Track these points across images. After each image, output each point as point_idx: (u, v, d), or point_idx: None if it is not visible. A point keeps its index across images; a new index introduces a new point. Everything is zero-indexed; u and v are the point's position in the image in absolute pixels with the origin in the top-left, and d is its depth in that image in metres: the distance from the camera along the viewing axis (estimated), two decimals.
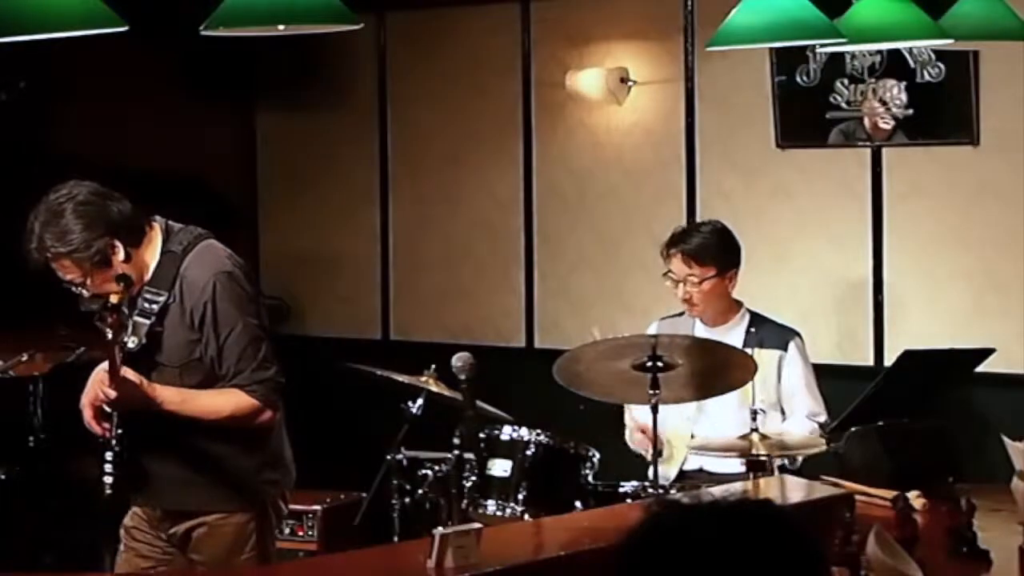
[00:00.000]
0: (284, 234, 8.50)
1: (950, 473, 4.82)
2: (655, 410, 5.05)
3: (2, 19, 3.36)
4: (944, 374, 5.84)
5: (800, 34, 4.49)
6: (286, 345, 7.16)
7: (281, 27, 3.87)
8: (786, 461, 5.37)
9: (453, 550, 3.56)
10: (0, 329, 6.42)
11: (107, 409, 4.19)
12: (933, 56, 6.60)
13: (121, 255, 4.23)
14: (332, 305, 8.37)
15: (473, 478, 5.32)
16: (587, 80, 7.37)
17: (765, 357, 5.54)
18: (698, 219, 7.05)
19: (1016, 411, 6.22)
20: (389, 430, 5.79)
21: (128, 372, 4.16)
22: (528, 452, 5.38)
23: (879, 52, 6.68)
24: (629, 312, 7.19)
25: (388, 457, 5.75)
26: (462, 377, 4.58)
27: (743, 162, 7.13)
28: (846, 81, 6.86)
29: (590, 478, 5.41)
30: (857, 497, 4.52)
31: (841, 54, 6.62)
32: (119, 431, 4.18)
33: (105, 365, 4.17)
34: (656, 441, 5.10)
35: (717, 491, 4.67)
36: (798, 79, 6.93)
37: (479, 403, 5.11)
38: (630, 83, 7.38)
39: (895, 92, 6.76)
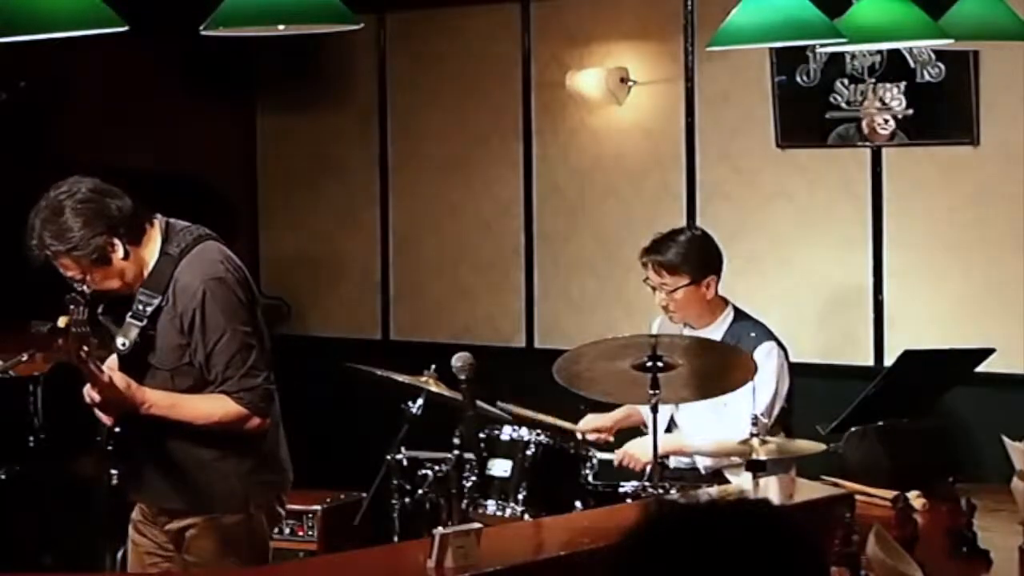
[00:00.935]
0: (284, 234, 8.50)
1: (950, 473, 4.82)
2: (655, 410, 5.05)
3: (2, 19, 3.37)
4: (944, 374, 5.83)
5: (800, 34, 4.49)
6: (286, 345, 7.20)
7: (281, 27, 3.87)
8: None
9: (453, 550, 3.56)
10: (0, 329, 6.42)
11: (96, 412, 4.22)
12: (933, 56, 6.60)
13: (120, 253, 4.23)
14: (332, 305, 8.37)
15: (473, 478, 5.32)
16: (587, 80, 7.37)
17: None
18: (698, 219, 7.06)
19: (1016, 411, 6.22)
20: (389, 430, 5.79)
21: (116, 376, 4.18)
22: (528, 452, 5.38)
23: (879, 52, 6.67)
24: (629, 312, 7.19)
25: (388, 457, 5.75)
26: (462, 377, 4.59)
27: (743, 162, 7.13)
28: (846, 81, 6.86)
29: (590, 478, 5.41)
30: (857, 497, 4.53)
31: (841, 54, 6.62)
32: (116, 429, 4.21)
33: (113, 360, 4.18)
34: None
35: (715, 491, 4.68)
36: (798, 79, 6.93)
37: (479, 403, 5.11)
38: (630, 83, 7.38)
39: (895, 92, 6.76)
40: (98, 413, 4.27)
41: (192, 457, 4.35)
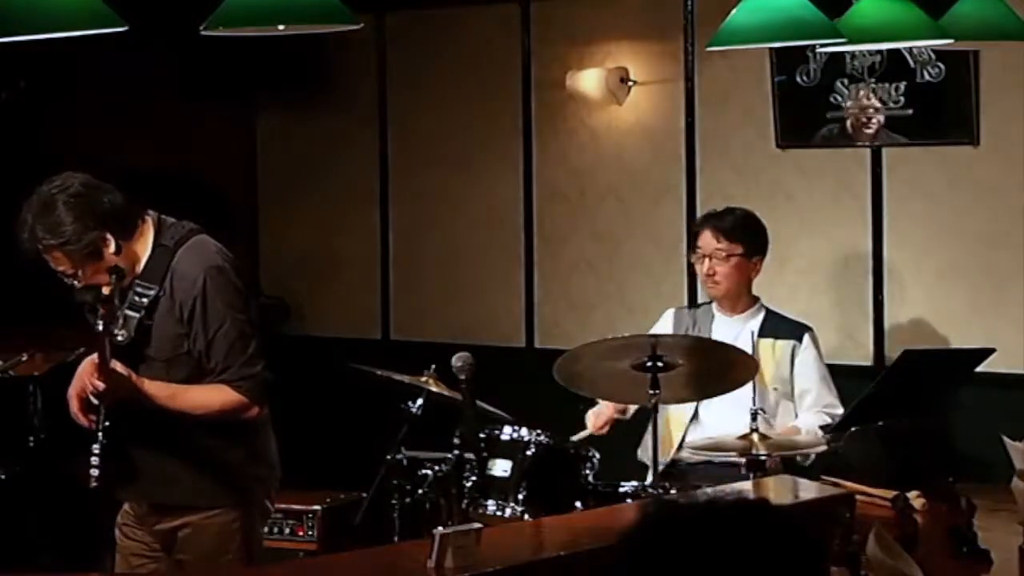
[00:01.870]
0: (284, 234, 8.50)
1: (950, 473, 4.82)
2: (655, 410, 5.06)
3: (2, 19, 3.36)
4: (944, 374, 5.83)
5: (800, 34, 4.49)
6: (286, 345, 7.21)
7: (281, 27, 3.87)
8: (799, 458, 5.38)
9: (453, 550, 3.55)
10: (0, 329, 6.42)
11: (94, 401, 4.17)
12: (933, 56, 6.60)
13: (112, 247, 4.22)
14: (332, 305, 8.37)
15: (473, 478, 5.32)
16: (587, 80, 7.37)
17: (779, 347, 5.62)
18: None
19: (1016, 411, 6.22)
20: (389, 430, 5.79)
21: (117, 365, 4.15)
22: (528, 452, 5.38)
23: (879, 52, 6.68)
24: (629, 312, 7.20)
25: (388, 457, 5.75)
26: (462, 377, 4.58)
27: (743, 162, 7.13)
28: (846, 81, 6.86)
29: (590, 478, 5.41)
30: (857, 497, 4.52)
31: (841, 54, 6.62)
32: (106, 424, 4.15)
33: (93, 357, 4.16)
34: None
35: (714, 491, 4.67)
36: (798, 79, 6.93)
37: (479, 403, 5.11)
38: (630, 83, 7.38)
39: (895, 92, 6.76)
40: (76, 415, 4.24)
41: (187, 452, 4.33)
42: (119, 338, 4.23)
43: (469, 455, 5.08)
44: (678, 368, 5.10)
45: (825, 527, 3.79)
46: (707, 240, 5.68)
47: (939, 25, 4.84)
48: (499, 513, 5.31)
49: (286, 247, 8.49)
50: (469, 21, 7.88)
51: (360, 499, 6.12)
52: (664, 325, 5.81)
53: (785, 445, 5.24)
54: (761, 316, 5.73)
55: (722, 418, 5.54)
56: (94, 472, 4.15)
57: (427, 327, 7.99)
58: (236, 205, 8.30)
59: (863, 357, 6.85)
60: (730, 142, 7.17)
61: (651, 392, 5.03)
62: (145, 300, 4.27)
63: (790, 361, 5.63)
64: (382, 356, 6.73)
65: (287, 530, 6.18)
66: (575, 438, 5.60)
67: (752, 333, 5.52)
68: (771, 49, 6.71)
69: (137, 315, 4.26)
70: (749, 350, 5.38)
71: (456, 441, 4.86)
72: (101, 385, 4.12)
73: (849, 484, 4.81)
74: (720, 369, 5.28)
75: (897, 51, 6.58)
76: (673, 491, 5.15)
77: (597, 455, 5.46)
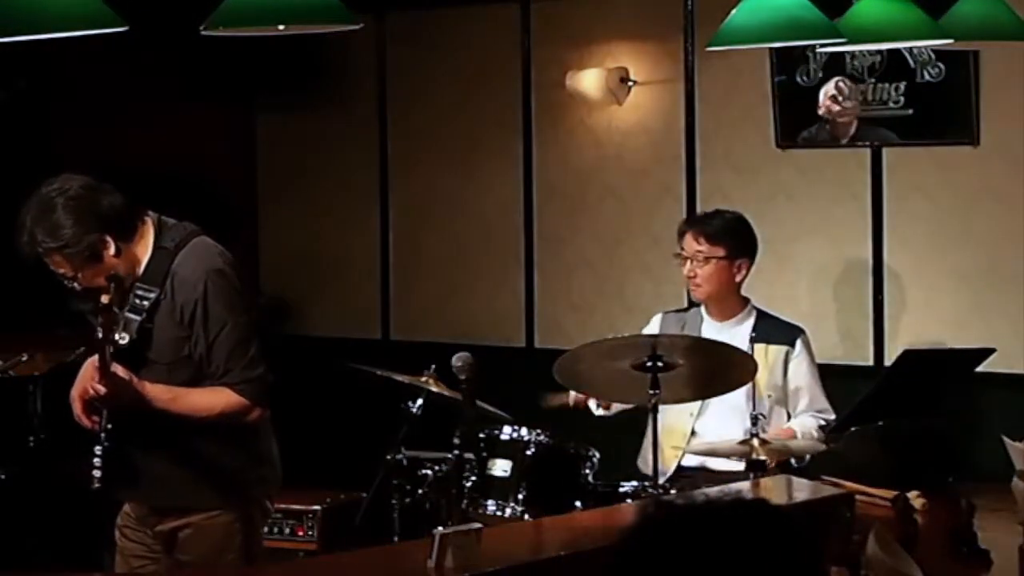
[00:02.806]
0: (284, 234, 8.50)
1: (950, 473, 4.82)
2: (655, 410, 5.05)
3: (2, 19, 3.36)
4: (944, 374, 5.83)
5: (800, 34, 4.49)
6: (286, 345, 7.21)
7: (281, 27, 3.87)
8: (792, 460, 5.37)
9: (453, 550, 3.55)
10: (0, 329, 6.42)
11: (97, 404, 4.18)
12: (933, 56, 6.60)
13: (112, 250, 4.21)
14: (332, 305, 8.37)
15: (473, 478, 5.32)
16: (587, 80, 7.37)
17: (772, 352, 5.56)
18: None
19: (1016, 411, 6.22)
20: (389, 430, 5.79)
21: (119, 369, 4.14)
22: (528, 452, 5.38)
23: (879, 52, 6.68)
24: (629, 312, 7.20)
25: (388, 457, 5.75)
26: (462, 377, 4.58)
27: (743, 162, 7.14)
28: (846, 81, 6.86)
29: (590, 478, 5.41)
30: (857, 497, 4.53)
31: (841, 54, 6.62)
32: (108, 425, 4.15)
33: (95, 358, 4.15)
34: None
35: (713, 491, 4.67)
36: (798, 79, 6.94)
37: (479, 403, 5.11)
38: (630, 83, 7.38)
39: (894, 93, 6.76)
40: (79, 417, 4.24)
41: (188, 454, 4.33)
42: (120, 341, 4.22)
43: (469, 455, 5.07)
44: (678, 368, 5.09)
45: (824, 527, 3.79)
46: (688, 242, 5.63)
47: (939, 25, 4.84)
48: (499, 513, 5.31)
49: (286, 247, 8.49)
50: (469, 21, 7.88)
51: (360, 499, 6.12)
52: (652, 329, 5.78)
53: (784, 451, 5.22)
54: (752, 320, 5.66)
55: (720, 425, 5.53)
56: (96, 474, 4.15)
57: (427, 327, 8.00)
58: (236, 205, 8.30)
59: (863, 357, 6.85)
60: (730, 142, 7.17)
61: (651, 392, 5.02)
62: (146, 303, 4.26)
63: (783, 367, 5.61)
64: (382, 356, 6.73)
65: (287, 530, 6.18)
66: (552, 401, 5.59)
67: (744, 339, 5.51)
68: (771, 49, 6.71)
69: (138, 318, 4.25)
70: None
71: (456, 441, 4.85)
72: (103, 389, 4.12)
73: (849, 484, 4.81)
74: (720, 369, 5.28)
75: (897, 51, 6.58)
76: (673, 491, 5.15)
77: (597, 455, 5.46)
